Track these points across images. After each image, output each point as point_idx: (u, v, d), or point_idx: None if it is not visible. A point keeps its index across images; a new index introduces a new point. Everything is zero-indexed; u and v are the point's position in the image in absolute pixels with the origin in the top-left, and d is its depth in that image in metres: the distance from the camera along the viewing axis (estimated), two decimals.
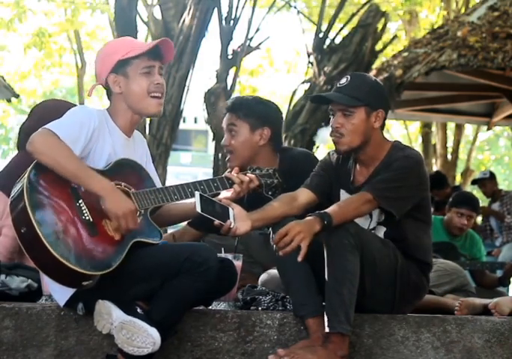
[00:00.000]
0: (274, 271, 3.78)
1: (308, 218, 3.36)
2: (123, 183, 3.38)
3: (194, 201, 3.39)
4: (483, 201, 9.20)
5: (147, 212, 3.39)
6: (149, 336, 3.17)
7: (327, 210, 3.39)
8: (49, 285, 3.45)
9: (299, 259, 3.25)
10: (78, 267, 3.11)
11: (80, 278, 3.17)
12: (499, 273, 6.57)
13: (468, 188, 14.69)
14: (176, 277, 3.23)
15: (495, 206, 9.69)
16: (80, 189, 3.25)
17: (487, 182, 9.86)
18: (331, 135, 3.63)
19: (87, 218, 3.22)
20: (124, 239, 3.26)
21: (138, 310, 3.34)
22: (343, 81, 3.60)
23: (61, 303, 3.41)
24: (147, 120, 9.78)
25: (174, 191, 3.45)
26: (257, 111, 4.09)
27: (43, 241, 3.09)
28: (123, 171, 3.41)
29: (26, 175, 3.20)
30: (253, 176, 3.62)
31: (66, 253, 3.11)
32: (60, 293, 3.39)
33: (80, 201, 3.23)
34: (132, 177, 3.44)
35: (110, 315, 3.25)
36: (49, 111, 4.03)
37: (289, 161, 4.06)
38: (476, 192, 9.74)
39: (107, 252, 3.21)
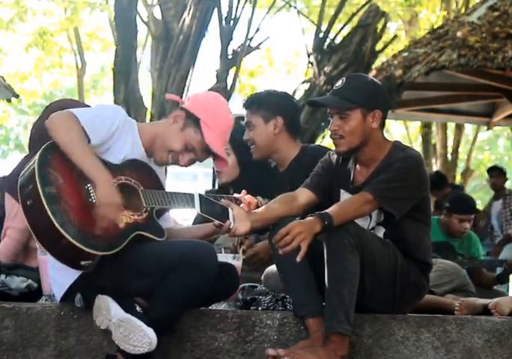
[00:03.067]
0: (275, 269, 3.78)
1: (309, 218, 3.36)
2: (132, 180, 3.40)
3: (194, 202, 3.40)
4: (481, 204, 9.20)
5: (152, 211, 3.41)
6: (145, 336, 3.18)
7: (327, 211, 3.39)
8: (51, 277, 3.49)
9: (298, 259, 3.26)
10: (79, 242, 3.14)
11: (79, 256, 3.19)
12: (499, 271, 6.56)
13: (468, 188, 14.70)
14: (174, 274, 3.24)
15: (498, 204, 9.74)
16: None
17: (503, 175, 9.94)
18: (330, 137, 3.65)
19: (93, 201, 3.24)
20: (127, 229, 3.29)
21: (138, 308, 3.35)
22: (339, 83, 3.63)
23: (60, 293, 3.43)
24: (148, 120, 9.78)
25: (182, 198, 3.48)
26: (267, 102, 4.20)
27: (48, 213, 3.13)
28: (134, 170, 3.45)
29: (40, 152, 3.26)
30: (261, 199, 3.71)
31: (68, 227, 3.14)
32: (59, 284, 3.42)
33: (89, 185, 3.26)
34: (143, 178, 3.46)
35: (108, 311, 3.26)
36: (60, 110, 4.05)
37: (309, 153, 4.15)
38: (475, 194, 9.78)
39: (109, 236, 3.24)
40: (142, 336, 3.18)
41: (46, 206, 3.14)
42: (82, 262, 3.22)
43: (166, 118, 3.58)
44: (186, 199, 3.48)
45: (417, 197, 3.56)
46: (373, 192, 3.46)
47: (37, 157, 3.24)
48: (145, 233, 3.33)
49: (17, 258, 4.15)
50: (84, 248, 3.15)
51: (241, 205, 3.63)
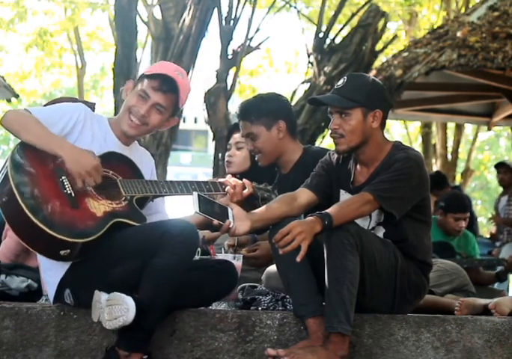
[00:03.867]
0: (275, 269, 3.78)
1: (309, 218, 3.36)
2: (110, 171, 3.42)
3: (192, 202, 3.39)
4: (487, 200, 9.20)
5: (132, 200, 3.42)
6: (124, 304, 3.15)
7: (328, 211, 3.39)
8: (44, 279, 3.50)
9: (298, 259, 3.26)
10: (54, 231, 3.16)
11: (57, 245, 3.20)
12: (499, 270, 6.57)
13: (468, 188, 14.69)
14: (156, 254, 3.23)
15: (503, 200, 9.77)
16: (64, 168, 3.30)
17: (510, 171, 9.93)
18: (330, 136, 3.64)
19: (68, 192, 3.28)
20: (105, 217, 3.30)
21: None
22: (340, 82, 3.62)
23: (52, 293, 3.43)
24: None
25: (164, 186, 3.50)
26: (265, 109, 4.14)
27: (21, 206, 3.16)
28: (112, 162, 3.46)
29: (12, 149, 3.30)
30: (247, 181, 3.68)
31: (42, 217, 3.17)
32: (51, 284, 3.43)
33: (63, 177, 3.30)
34: (122, 169, 3.48)
35: (99, 300, 3.26)
36: None
37: (312, 155, 4.13)
38: (475, 194, 9.78)
39: (86, 224, 3.25)
40: (122, 304, 3.16)
41: (19, 199, 3.17)
42: (61, 252, 3.23)
43: None
44: (169, 187, 3.50)
45: (417, 198, 3.56)
46: (374, 192, 3.46)
47: (9, 155, 3.28)
48: (124, 220, 3.34)
49: (18, 258, 4.15)
50: (60, 237, 3.16)
51: (226, 188, 3.63)
